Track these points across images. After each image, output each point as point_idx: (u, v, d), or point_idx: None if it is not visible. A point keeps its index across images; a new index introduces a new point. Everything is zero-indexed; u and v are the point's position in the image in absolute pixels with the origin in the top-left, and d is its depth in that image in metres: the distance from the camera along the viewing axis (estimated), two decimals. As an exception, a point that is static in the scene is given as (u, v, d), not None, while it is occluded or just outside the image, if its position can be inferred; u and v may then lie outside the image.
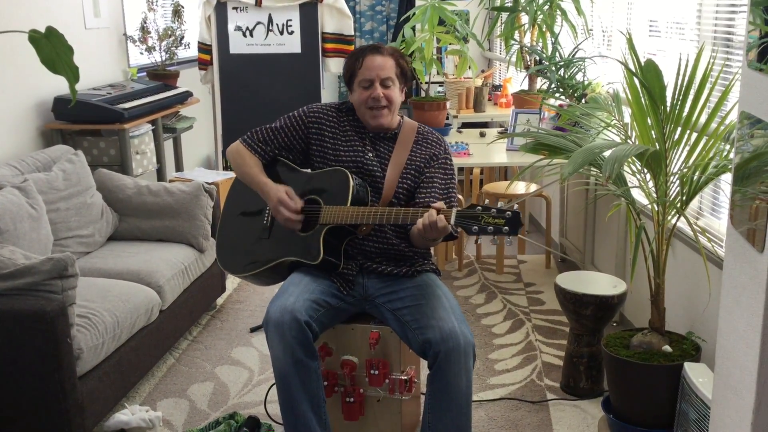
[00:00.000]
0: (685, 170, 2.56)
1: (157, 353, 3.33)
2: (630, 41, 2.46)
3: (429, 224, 2.20)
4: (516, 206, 2.14)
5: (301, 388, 2.33)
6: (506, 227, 2.11)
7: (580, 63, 3.72)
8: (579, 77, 3.78)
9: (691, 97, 2.41)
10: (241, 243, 2.68)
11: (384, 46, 2.58)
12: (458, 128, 4.75)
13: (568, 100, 3.73)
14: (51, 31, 2.42)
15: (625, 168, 2.64)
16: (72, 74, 2.47)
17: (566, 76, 3.72)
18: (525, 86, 4.47)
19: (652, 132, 2.58)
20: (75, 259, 2.68)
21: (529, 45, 4.17)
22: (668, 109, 2.42)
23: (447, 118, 4.40)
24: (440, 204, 2.26)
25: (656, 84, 2.36)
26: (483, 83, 5.34)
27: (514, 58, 4.36)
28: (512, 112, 4.05)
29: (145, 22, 4.88)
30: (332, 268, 2.52)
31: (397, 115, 2.64)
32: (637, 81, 2.50)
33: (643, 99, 2.51)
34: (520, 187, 4.71)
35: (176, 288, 3.47)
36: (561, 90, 3.66)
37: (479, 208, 2.16)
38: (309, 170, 2.64)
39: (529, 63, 4.28)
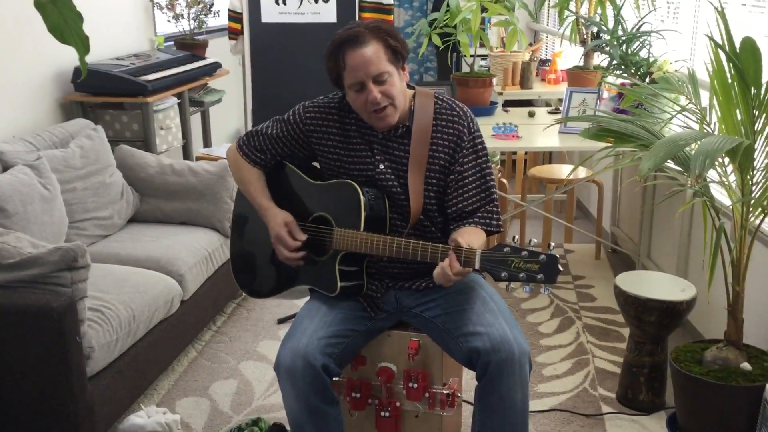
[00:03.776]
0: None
1: (177, 347, 3.10)
2: (722, 14, 2.11)
3: (441, 274, 1.91)
4: (553, 246, 1.82)
5: None
6: (541, 274, 1.80)
7: (646, 38, 3.36)
8: (643, 54, 3.41)
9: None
10: (257, 263, 2.39)
11: (362, 30, 2.03)
12: (503, 107, 4.40)
13: (630, 78, 3.38)
14: (58, -5, 2.15)
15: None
16: (82, 44, 2.17)
17: (629, 52, 3.36)
18: (579, 62, 4.10)
19: (738, 118, 2.24)
20: (86, 249, 2.44)
21: (586, 17, 3.81)
22: (762, 95, 2.08)
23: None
24: (452, 240, 1.94)
25: (751, 65, 2.02)
26: (531, 58, 4.98)
27: (568, 31, 4.00)
28: (566, 90, 3.71)
29: (173, -12, 4.61)
30: (356, 292, 2.21)
31: (406, 98, 2.14)
32: (724, 59, 2.16)
33: (731, 82, 2.17)
34: (565, 171, 4.37)
35: (199, 276, 3.22)
36: (623, 67, 3.31)
37: (507, 248, 1.84)
38: (317, 181, 2.25)
39: (585, 37, 3.92)
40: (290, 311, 3.63)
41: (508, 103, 4.76)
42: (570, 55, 5.24)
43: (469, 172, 2.14)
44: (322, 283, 2.21)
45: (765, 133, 2.19)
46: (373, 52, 2.02)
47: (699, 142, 1.91)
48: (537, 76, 5.18)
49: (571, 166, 4.50)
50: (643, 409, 2.80)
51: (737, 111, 2.24)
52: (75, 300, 2.39)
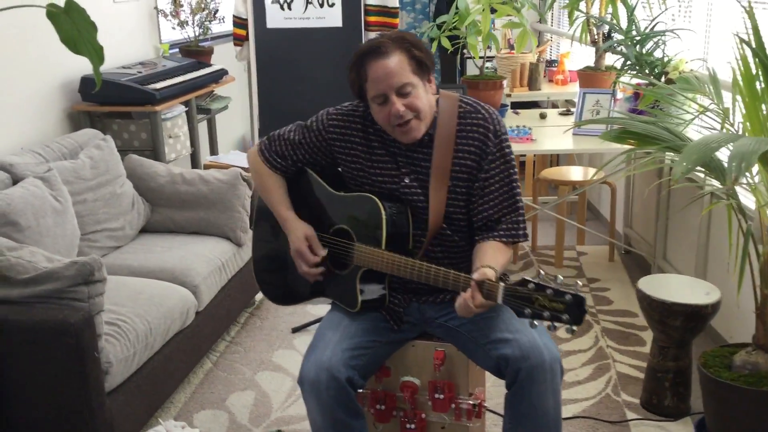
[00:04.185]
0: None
1: (193, 359, 3.05)
2: (751, 13, 2.07)
3: (463, 305, 1.84)
4: (579, 285, 1.72)
5: None
6: (566, 315, 1.70)
7: (660, 37, 3.32)
8: (657, 53, 3.38)
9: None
10: (278, 269, 2.34)
11: (385, 41, 1.97)
12: (513, 109, 4.36)
13: (644, 79, 3.34)
14: (71, 6, 2.10)
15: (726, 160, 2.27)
16: (96, 55, 2.14)
17: (643, 52, 3.32)
18: (590, 62, 4.06)
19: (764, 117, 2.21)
20: (102, 263, 2.40)
21: (597, 16, 3.77)
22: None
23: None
24: (485, 274, 1.83)
25: (782, 65, 1.98)
26: (538, 59, 4.94)
27: (578, 32, 3.96)
28: (579, 92, 3.67)
29: (178, -5, 4.57)
30: (378, 306, 2.16)
31: (433, 110, 2.06)
32: (750, 57, 2.12)
33: (758, 79, 2.13)
34: (576, 173, 4.33)
35: (213, 287, 3.18)
36: (638, 67, 3.27)
37: (532, 284, 1.74)
38: (339, 192, 2.18)
39: (596, 37, 3.88)
40: (304, 320, 3.59)
41: (514, 105, 4.73)
42: (577, 56, 5.20)
43: (495, 179, 2.07)
44: (342, 297, 2.17)
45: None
46: (396, 63, 1.96)
47: (732, 145, 1.87)
48: (544, 77, 5.14)
49: (581, 168, 4.47)
50: (669, 414, 2.76)
51: (762, 110, 2.20)
52: (92, 315, 2.35)
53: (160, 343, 2.75)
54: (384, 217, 2.04)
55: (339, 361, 2.00)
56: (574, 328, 1.72)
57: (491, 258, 1.96)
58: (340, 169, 2.23)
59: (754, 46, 2.10)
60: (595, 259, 4.31)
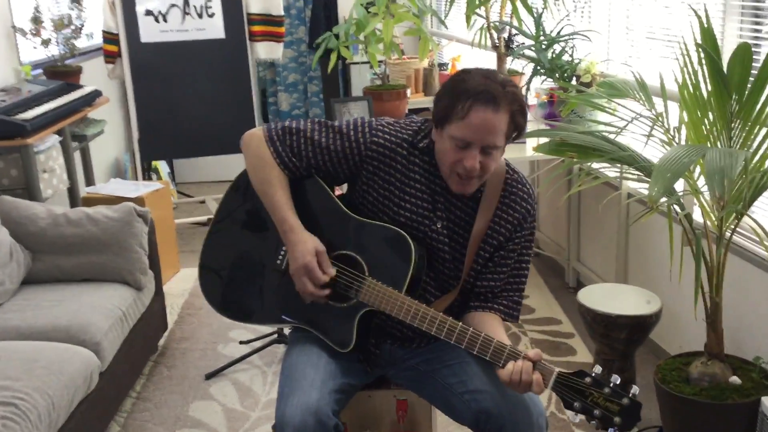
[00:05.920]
0: (750, 171, 2.14)
1: (100, 427, 2.70)
2: (705, 22, 2.00)
3: (522, 383, 1.65)
4: (636, 390, 1.61)
5: None
6: (618, 417, 1.59)
7: (569, 40, 3.27)
8: (565, 57, 3.33)
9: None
10: (240, 277, 2.02)
11: (501, 93, 1.74)
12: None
13: (558, 83, 3.28)
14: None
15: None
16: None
17: (552, 56, 3.25)
18: (489, 67, 3.97)
19: (708, 127, 2.16)
20: (-8, 337, 2.03)
21: (498, 21, 3.68)
22: (744, 101, 1.99)
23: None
24: (537, 353, 1.68)
25: (737, 73, 1.91)
26: (430, 63, 4.82)
27: (478, 37, 3.85)
28: (488, 99, 3.56)
29: (38, 11, 4.09)
30: (359, 348, 1.93)
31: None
32: (700, 66, 2.06)
33: (705, 88, 2.07)
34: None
35: (115, 341, 2.82)
36: (550, 72, 3.20)
37: (589, 379, 1.63)
38: (355, 215, 1.91)
39: (497, 42, 3.78)
40: (217, 363, 3.28)
41: (412, 112, 4.58)
42: (468, 58, 5.13)
43: (514, 254, 1.92)
44: (332, 333, 1.90)
45: (741, 141, 2.11)
46: (500, 121, 1.76)
47: (704, 160, 1.79)
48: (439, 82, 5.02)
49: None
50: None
51: (707, 119, 2.16)
52: (-13, 400, 1.98)
53: (65, 417, 2.38)
54: (413, 258, 1.83)
55: (327, 405, 1.76)
56: (617, 429, 1.60)
57: (504, 338, 1.80)
58: (360, 190, 1.95)
59: (699, 41, 2.03)
60: (508, 266, 4.24)
